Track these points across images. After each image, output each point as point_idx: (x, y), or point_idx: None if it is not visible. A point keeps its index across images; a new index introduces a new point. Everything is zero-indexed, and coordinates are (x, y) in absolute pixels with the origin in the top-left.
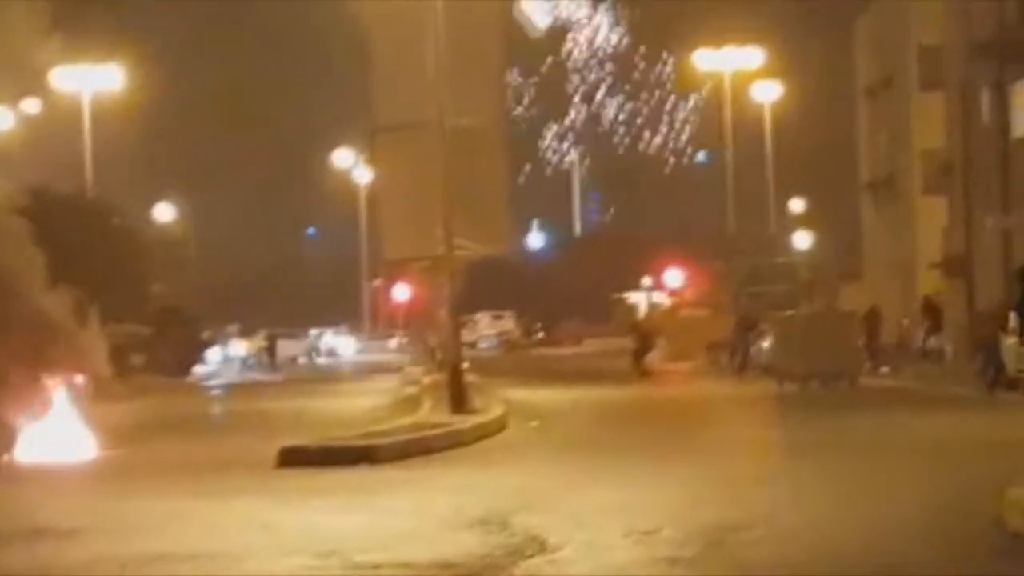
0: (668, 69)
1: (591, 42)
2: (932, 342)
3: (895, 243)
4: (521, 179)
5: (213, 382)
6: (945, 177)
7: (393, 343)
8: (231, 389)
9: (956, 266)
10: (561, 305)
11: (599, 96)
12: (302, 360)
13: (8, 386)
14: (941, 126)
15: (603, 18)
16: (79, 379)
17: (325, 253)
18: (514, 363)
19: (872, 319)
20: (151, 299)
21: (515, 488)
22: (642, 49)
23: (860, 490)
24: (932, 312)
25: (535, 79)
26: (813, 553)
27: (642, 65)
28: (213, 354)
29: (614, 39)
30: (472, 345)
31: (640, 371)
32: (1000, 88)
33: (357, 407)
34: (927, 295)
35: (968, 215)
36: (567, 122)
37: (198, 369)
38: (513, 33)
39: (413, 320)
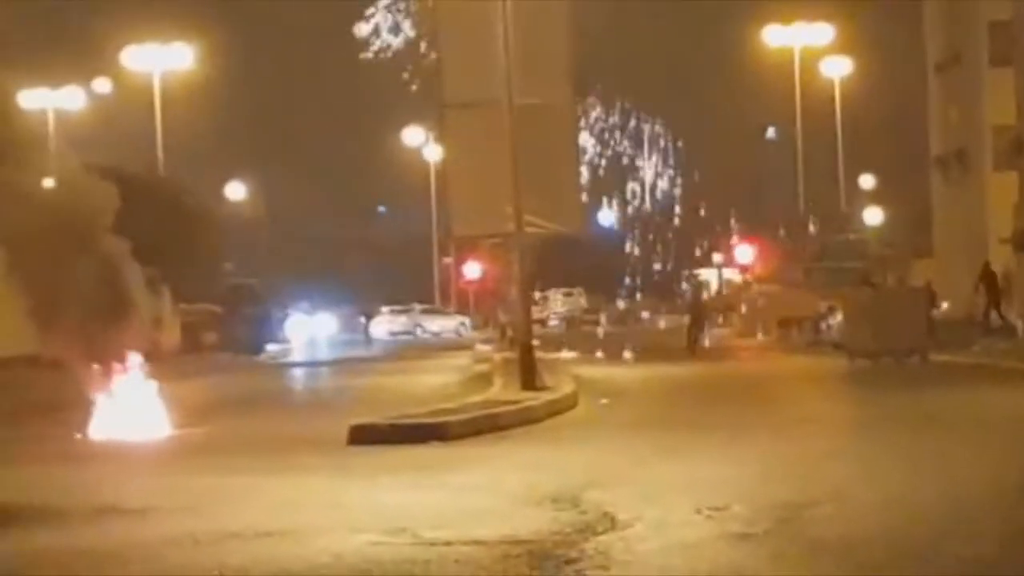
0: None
1: None
2: (994, 318)
3: (966, 219)
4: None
5: (287, 359)
6: (1016, 153)
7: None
8: (304, 367)
9: None
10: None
11: None
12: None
13: (81, 363)
14: (1012, 102)
15: None
16: (151, 357)
17: (395, 231)
18: (582, 340)
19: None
20: (223, 277)
21: (586, 465)
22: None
23: (930, 467)
24: (990, 280)
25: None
26: (884, 531)
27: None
28: (294, 330)
29: None
30: (543, 323)
31: (691, 348)
32: None
33: (428, 384)
34: (986, 261)
35: None
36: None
37: (272, 347)
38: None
39: (484, 298)
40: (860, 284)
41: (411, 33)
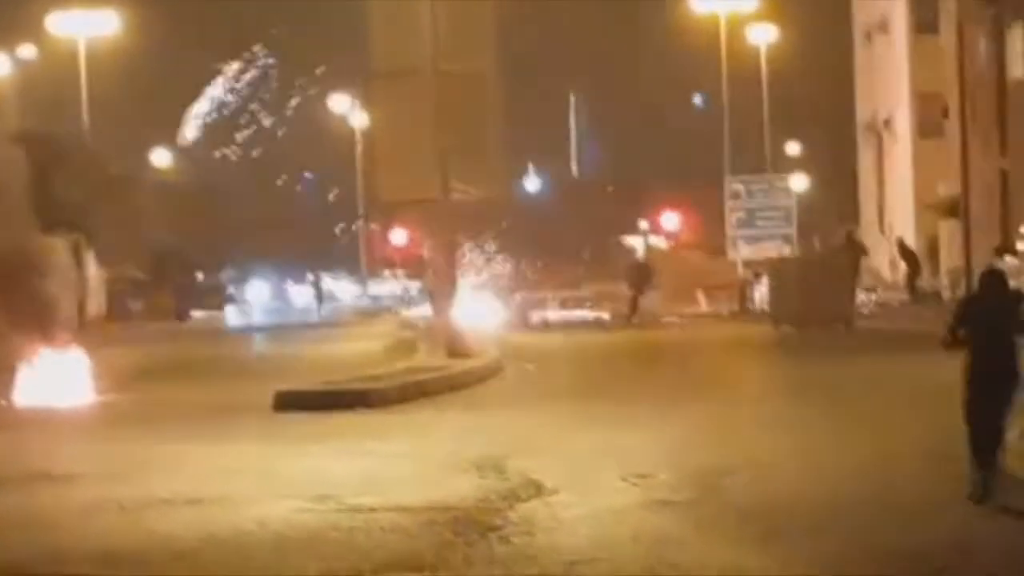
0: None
1: None
2: (920, 283)
3: (892, 185)
4: (518, 123)
5: (216, 325)
6: (942, 119)
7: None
8: (229, 334)
9: (953, 207)
10: (558, 249)
11: None
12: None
13: (4, 331)
14: (937, 69)
15: None
16: (75, 323)
17: (321, 197)
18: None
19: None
20: (149, 244)
21: (511, 432)
22: None
23: (854, 433)
24: (908, 255)
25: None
26: (806, 497)
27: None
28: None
29: None
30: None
31: (629, 316)
32: (997, 32)
33: (355, 351)
34: (899, 238)
35: (965, 157)
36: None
37: (198, 313)
38: None
39: (409, 264)
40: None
41: None
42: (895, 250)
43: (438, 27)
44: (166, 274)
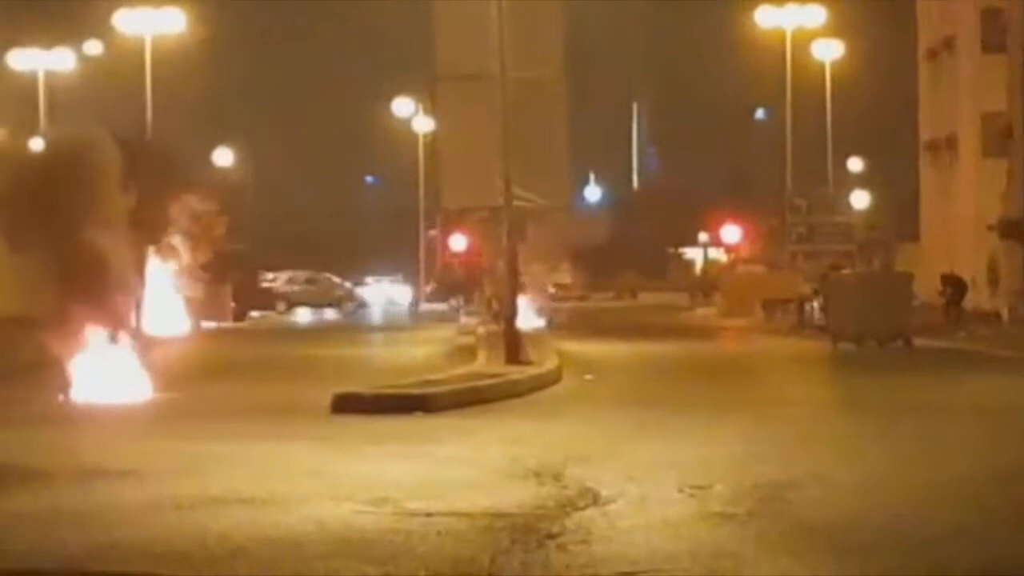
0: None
1: None
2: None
3: (953, 205)
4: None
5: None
6: (1005, 140)
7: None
8: (291, 334)
9: (1014, 228)
10: (618, 259)
11: None
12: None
13: (64, 326)
14: (1003, 89)
15: None
16: (135, 321)
17: (384, 201)
18: (569, 315)
19: (954, 282)
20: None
21: (569, 440)
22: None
23: (913, 451)
24: (953, 283)
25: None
26: (865, 513)
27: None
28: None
29: None
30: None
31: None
32: None
33: (413, 356)
34: (943, 274)
35: None
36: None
37: (256, 314)
38: None
39: (470, 271)
40: (831, 270)
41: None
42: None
43: (505, 32)
44: (228, 273)
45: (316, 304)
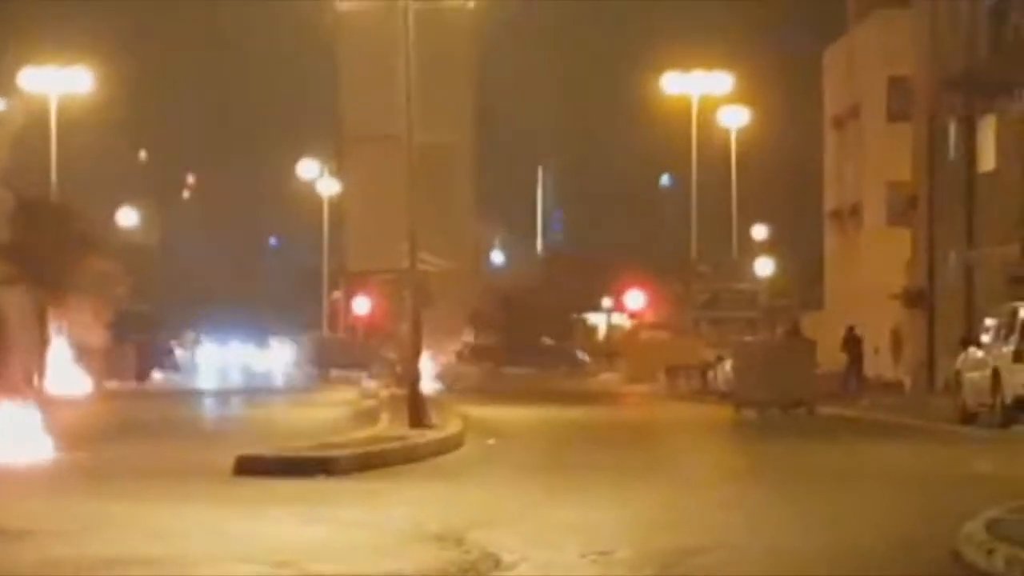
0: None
1: None
2: (851, 383)
3: (858, 273)
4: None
5: (176, 387)
6: (910, 209)
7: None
8: (189, 395)
9: (917, 298)
10: (523, 323)
11: None
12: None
13: None
14: (908, 158)
15: None
16: (36, 379)
17: (286, 263)
18: (471, 379)
19: (852, 344)
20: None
21: (471, 504)
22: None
23: (818, 517)
24: (852, 345)
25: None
26: None
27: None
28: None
29: None
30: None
31: None
32: (968, 122)
33: (315, 418)
34: (850, 326)
35: (931, 248)
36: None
37: (159, 374)
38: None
39: (372, 333)
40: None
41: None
42: (842, 336)
43: (412, 95)
44: (130, 333)
45: None
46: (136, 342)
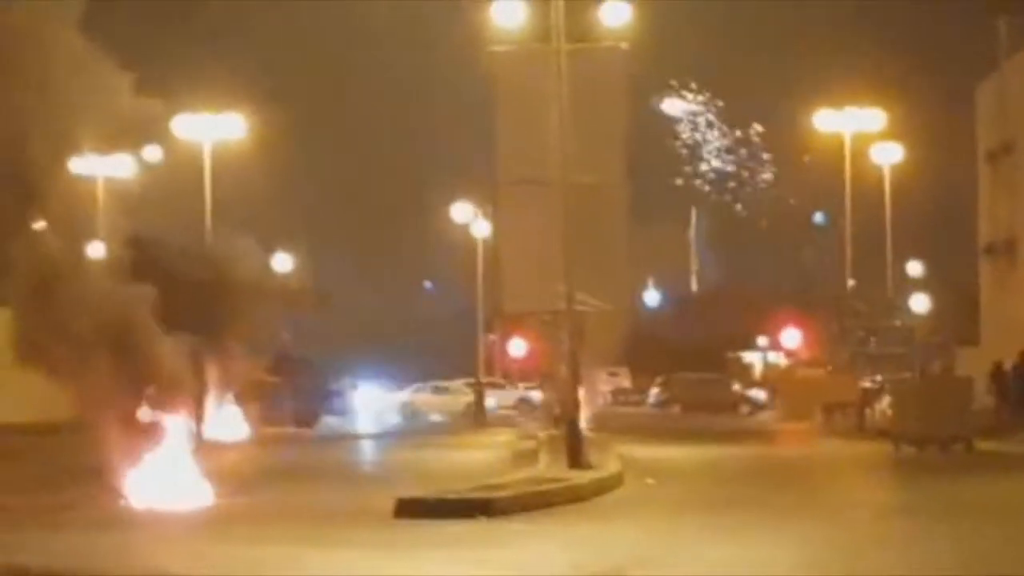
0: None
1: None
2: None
3: (1014, 307)
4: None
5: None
6: None
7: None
8: (354, 440)
9: None
10: (677, 363)
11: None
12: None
13: (124, 431)
14: None
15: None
16: (196, 426)
17: (441, 307)
18: (628, 419)
19: (1000, 379)
20: (278, 348)
21: (631, 544)
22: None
23: (975, 554)
24: (999, 378)
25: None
26: None
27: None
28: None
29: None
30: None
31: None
32: None
33: (474, 460)
34: (996, 362)
35: None
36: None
37: (329, 419)
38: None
39: (530, 375)
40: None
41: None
42: (989, 372)
43: (566, 138)
44: (295, 378)
45: None
46: (302, 387)
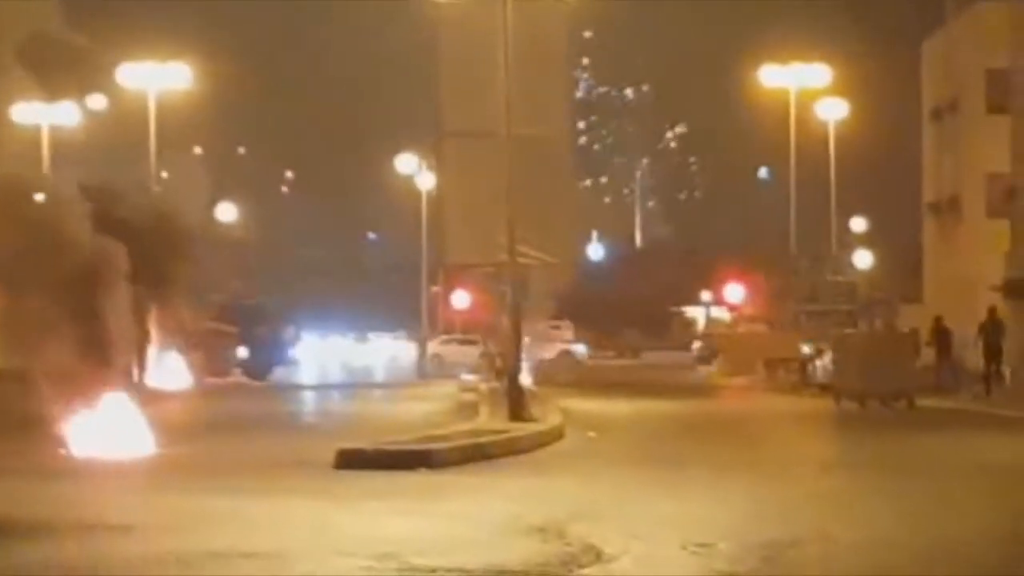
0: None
1: None
2: (945, 374)
3: (956, 265)
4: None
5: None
6: (1009, 200)
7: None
8: (297, 391)
9: (1017, 289)
10: (620, 317)
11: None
12: None
13: (64, 379)
14: (1007, 149)
15: None
16: (138, 375)
17: (385, 258)
18: (570, 373)
19: (941, 334)
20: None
21: (572, 497)
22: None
23: (916, 511)
24: (941, 337)
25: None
26: (866, 572)
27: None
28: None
29: None
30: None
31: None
32: None
33: (416, 412)
34: (936, 317)
35: None
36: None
37: (280, 369)
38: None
39: (472, 327)
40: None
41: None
42: (930, 328)
43: (511, 89)
44: (252, 327)
45: None
46: (256, 336)
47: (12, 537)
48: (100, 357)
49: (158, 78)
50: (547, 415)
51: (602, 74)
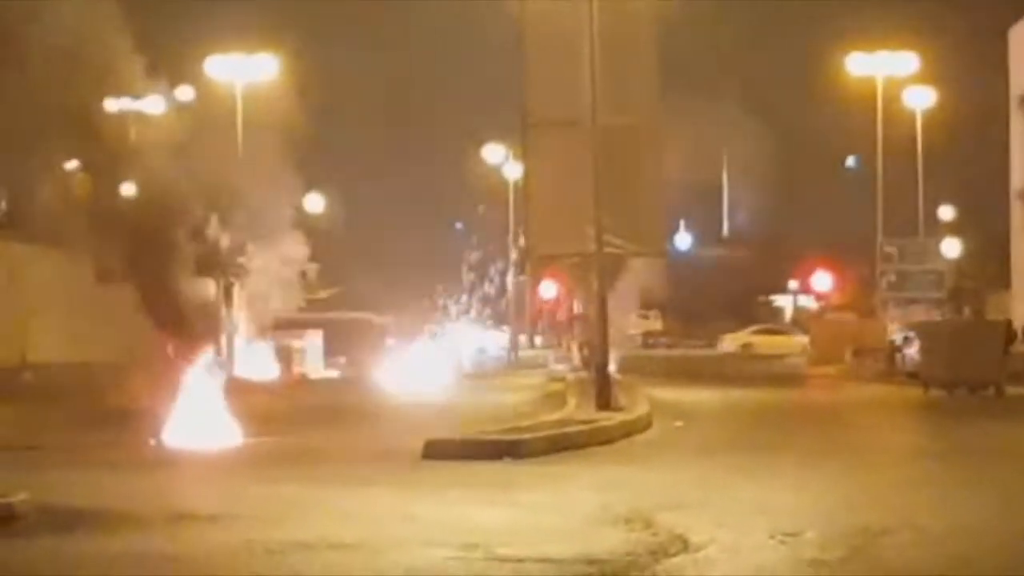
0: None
1: None
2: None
3: None
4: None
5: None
6: None
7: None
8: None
9: None
10: (708, 306)
11: None
12: None
13: (154, 370)
14: None
15: None
16: (227, 366)
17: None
18: (657, 362)
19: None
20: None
21: (659, 486)
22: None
23: (1004, 499)
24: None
25: None
26: (956, 560)
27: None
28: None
29: None
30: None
31: None
32: None
33: (503, 402)
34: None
35: None
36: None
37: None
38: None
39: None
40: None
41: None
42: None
43: (597, 77)
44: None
45: None
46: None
47: (105, 528)
48: (191, 348)
49: (245, 69)
50: (634, 404)
51: (688, 65)
